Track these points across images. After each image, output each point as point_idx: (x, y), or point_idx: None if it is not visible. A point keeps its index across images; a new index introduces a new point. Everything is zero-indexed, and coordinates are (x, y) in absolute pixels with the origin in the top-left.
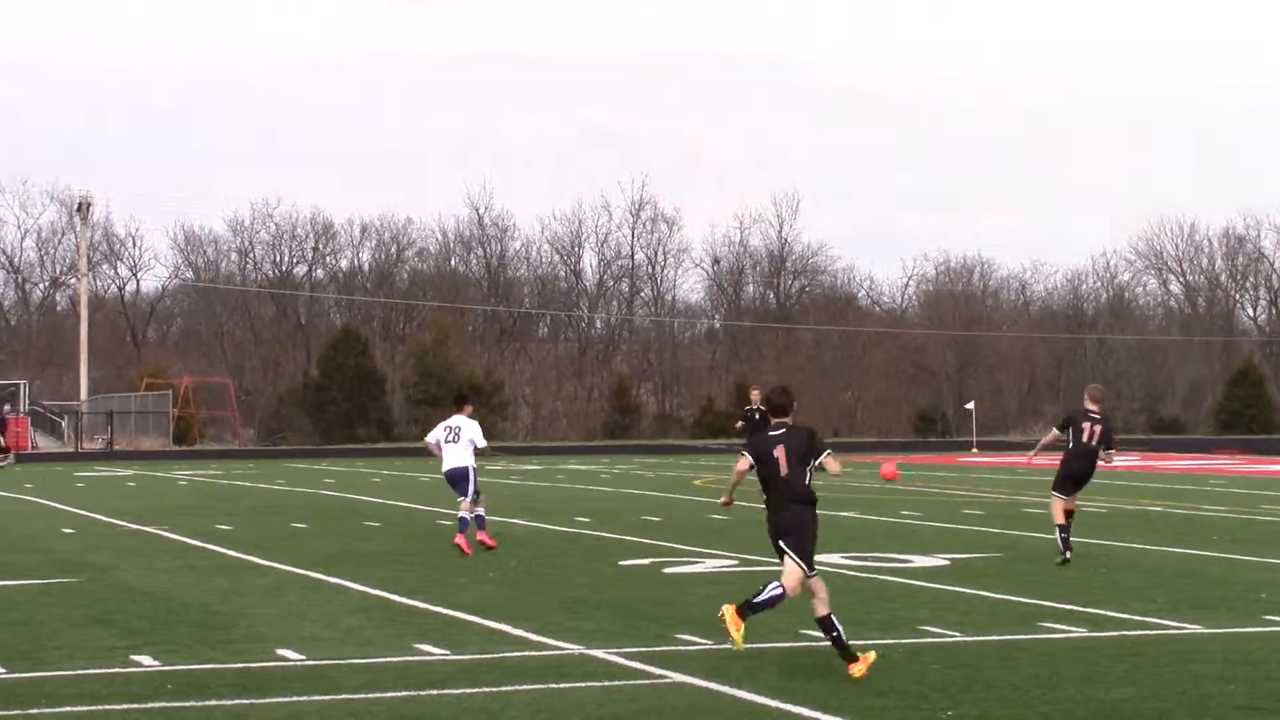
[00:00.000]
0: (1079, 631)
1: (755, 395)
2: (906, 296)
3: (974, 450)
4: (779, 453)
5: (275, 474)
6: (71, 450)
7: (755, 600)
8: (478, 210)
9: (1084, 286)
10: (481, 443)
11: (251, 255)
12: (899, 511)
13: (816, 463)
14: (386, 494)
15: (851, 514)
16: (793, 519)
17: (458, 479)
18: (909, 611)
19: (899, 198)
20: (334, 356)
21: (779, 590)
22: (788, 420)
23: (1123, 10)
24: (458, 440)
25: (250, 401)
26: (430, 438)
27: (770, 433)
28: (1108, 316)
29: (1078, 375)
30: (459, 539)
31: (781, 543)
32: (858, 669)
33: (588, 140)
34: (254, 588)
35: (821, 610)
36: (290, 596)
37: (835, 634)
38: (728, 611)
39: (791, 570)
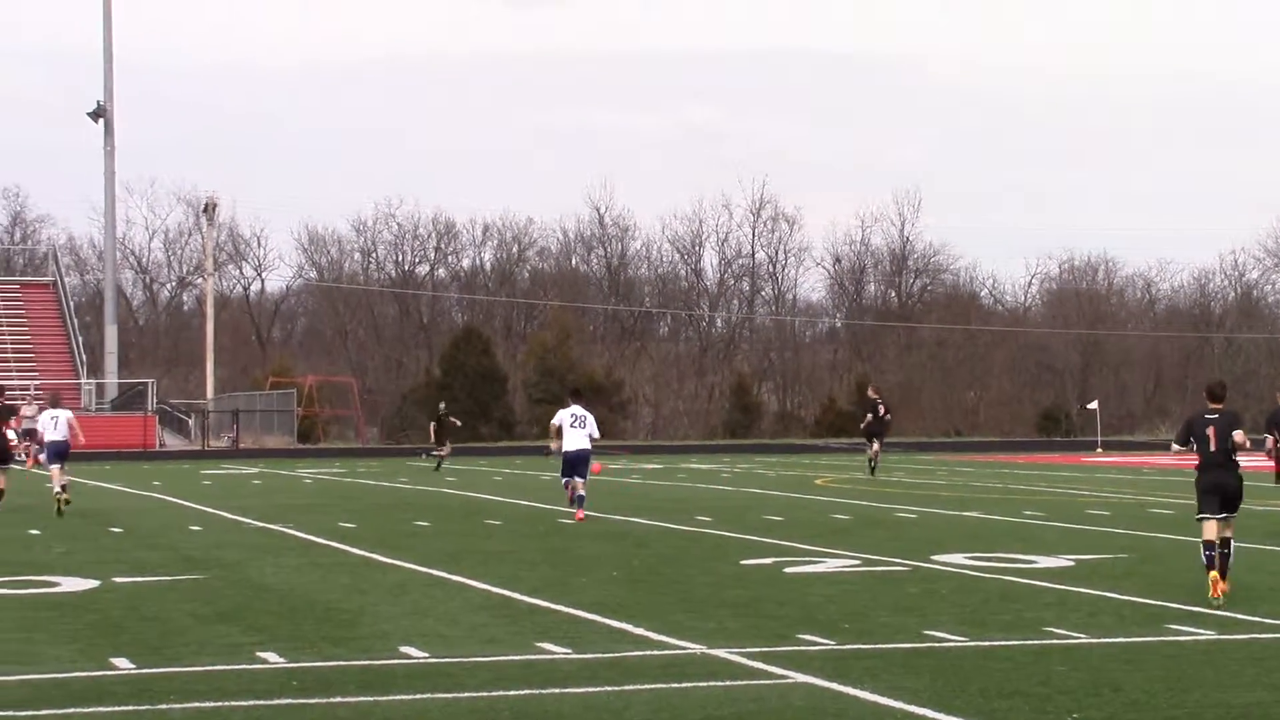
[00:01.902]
0: (1208, 634)
1: (872, 393)
2: (1030, 295)
3: (1098, 450)
4: (1210, 431)
5: (398, 472)
6: (198, 448)
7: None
8: (598, 209)
9: (1211, 285)
10: (597, 434)
11: (374, 255)
12: (1022, 511)
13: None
14: (508, 492)
15: (974, 514)
16: (1217, 478)
17: (580, 460)
18: (1034, 613)
19: (1022, 195)
20: (456, 355)
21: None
22: (1221, 405)
23: (1249, 6)
24: (583, 426)
25: (373, 400)
26: (557, 420)
27: (1206, 415)
28: (1235, 315)
29: (1204, 374)
30: (580, 514)
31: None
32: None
33: (708, 138)
34: (378, 585)
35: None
36: (413, 594)
37: (1225, 553)
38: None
39: (1209, 527)
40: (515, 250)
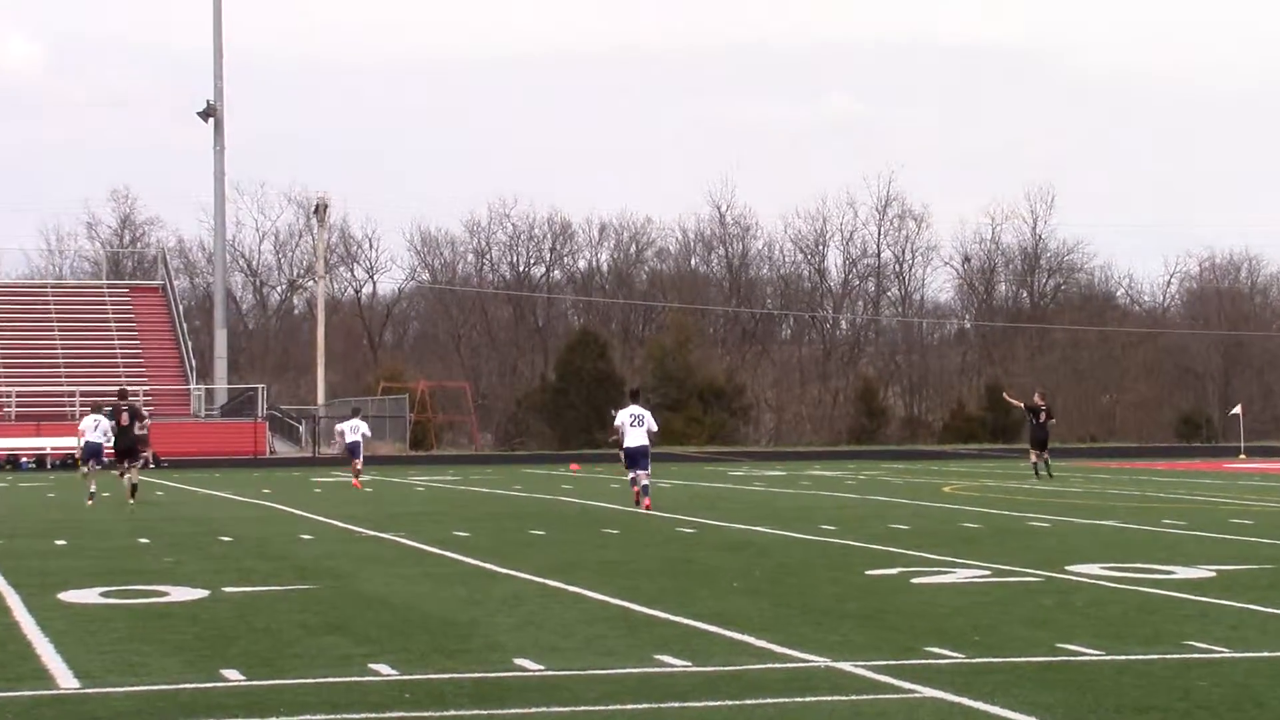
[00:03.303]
0: None
1: (1037, 398)
2: (1168, 295)
3: (1241, 456)
4: None
5: (513, 480)
6: (309, 455)
7: None
8: (718, 208)
9: None
10: (655, 427)
11: (488, 256)
12: (1161, 520)
13: None
14: (625, 500)
15: (1111, 523)
16: None
17: (641, 455)
18: (1174, 625)
19: (1159, 191)
20: (572, 359)
21: None
22: None
23: None
24: (641, 424)
25: (487, 405)
26: (619, 420)
27: None
28: None
29: None
30: (646, 501)
31: None
32: None
33: (832, 133)
34: (492, 596)
35: None
36: (528, 605)
37: None
38: None
39: None
40: (633, 251)
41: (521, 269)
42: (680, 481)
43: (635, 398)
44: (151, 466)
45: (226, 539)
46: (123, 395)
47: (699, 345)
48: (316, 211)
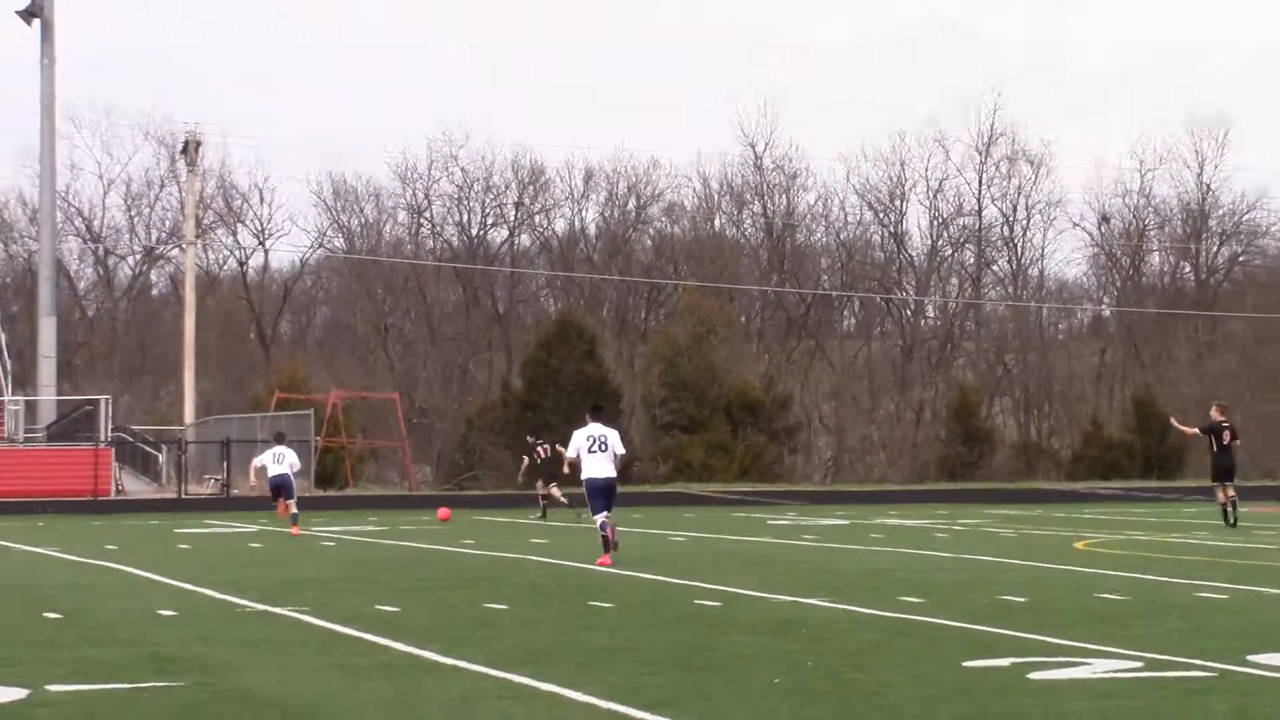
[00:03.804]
0: None
1: (1216, 413)
2: None
3: None
4: None
5: (461, 532)
6: (172, 496)
7: None
8: (754, 147)
9: None
10: (621, 450)
11: (428, 215)
12: None
13: None
14: (621, 561)
15: None
16: None
17: (607, 491)
18: None
19: None
20: (546, 360)
21: None
22: None
23: None
24: (604, 449)
25: (426, 425)
26: (571, 450)
27: None
28: None
29: None
30: (605, 559)
31: None
32: None
33: (912, 47)
34: (430, 697)
35: None
36: (484, 711)
37: None
38: None
39: None
40: (632, 207)
41: (475, 233)
42: (699, 534)
43: (598, 413)
44: None
45: (53, 616)
46: None
47: (726, 340)
48: (185, 151)
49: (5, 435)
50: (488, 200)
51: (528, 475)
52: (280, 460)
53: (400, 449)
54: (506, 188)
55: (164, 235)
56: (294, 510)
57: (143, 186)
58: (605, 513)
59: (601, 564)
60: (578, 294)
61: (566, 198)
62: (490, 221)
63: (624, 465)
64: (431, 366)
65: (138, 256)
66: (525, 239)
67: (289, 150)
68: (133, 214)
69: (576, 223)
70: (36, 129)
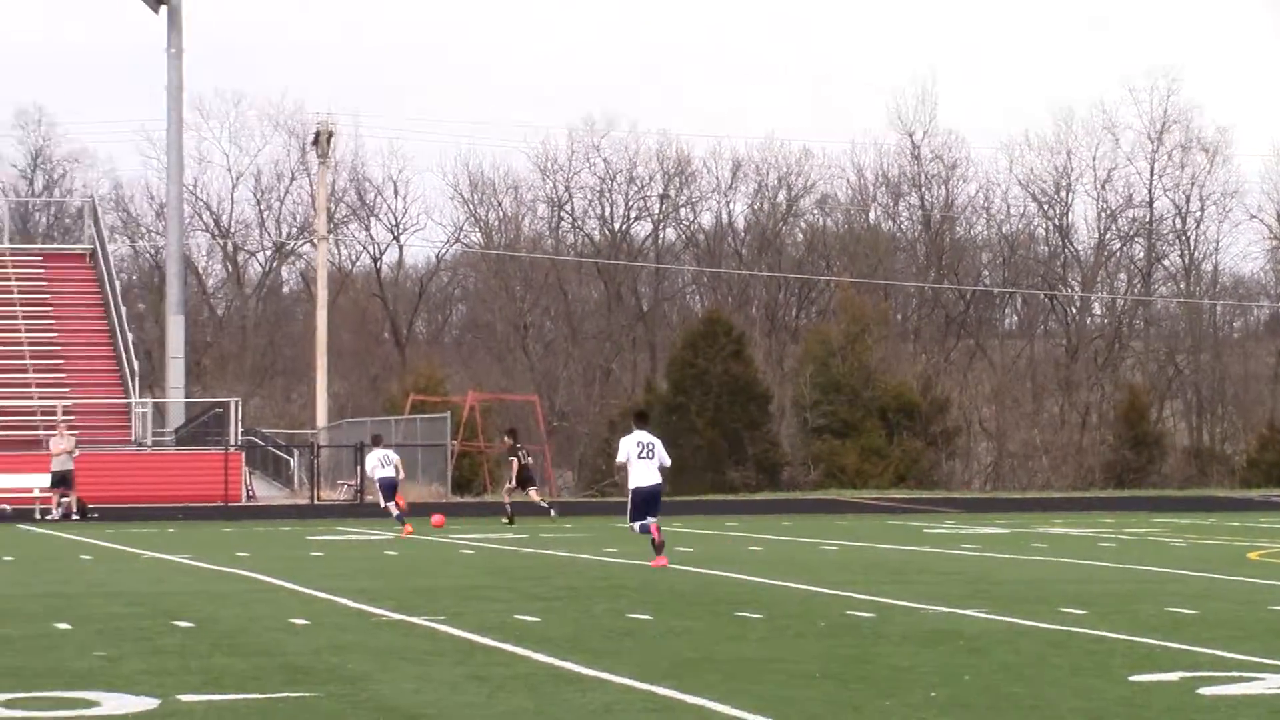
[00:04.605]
0: None
1: None
2: None
3: None
4: None
5: (603, 538)
6: (304, 502)
7: None
8: (911, 136)
9: None
10: (667, 461)
11: (570, 208)
12: None
13: None
14: (770, 570)
15: None
16: None
17: (653, 498)
18: None
19: None
20: (692, 360)
21: None
22: None
23: None
24: (653, 456)
25: (568, 429)
26: (622, 455)
27: None
28: None
29: None
30: (662, 559)
31: None
32: None
33: (1081, 27)
34: (572, 710)
35: None
36: None
37: None
38: None
39: None
40: (783, 199)
41: (618, 227)
42: (851, 542)
43: (642, 420)
44: (74, 517)
45: (184, 624)
46: None
47: (881, 339)
48: (316, 142)
49: (133, 439)
50: (631, 192)
51: (515, 483)
52: (387, 462)
53: (540, 453)
54: (651, 179)
55: (295, 230)
56: (404, 506)
57: (272, 179)
58: (646, 519)
59: (658, 564)
60: (725, 291)
61: (713, 190)
62: (634, 215)
63: (772, 470)
64: (572, 367)
65: (268, 252)
66: (670, 233)
67: (424, 141)
68: (262, 208)
69: (724, 216)
70: (163, 120)
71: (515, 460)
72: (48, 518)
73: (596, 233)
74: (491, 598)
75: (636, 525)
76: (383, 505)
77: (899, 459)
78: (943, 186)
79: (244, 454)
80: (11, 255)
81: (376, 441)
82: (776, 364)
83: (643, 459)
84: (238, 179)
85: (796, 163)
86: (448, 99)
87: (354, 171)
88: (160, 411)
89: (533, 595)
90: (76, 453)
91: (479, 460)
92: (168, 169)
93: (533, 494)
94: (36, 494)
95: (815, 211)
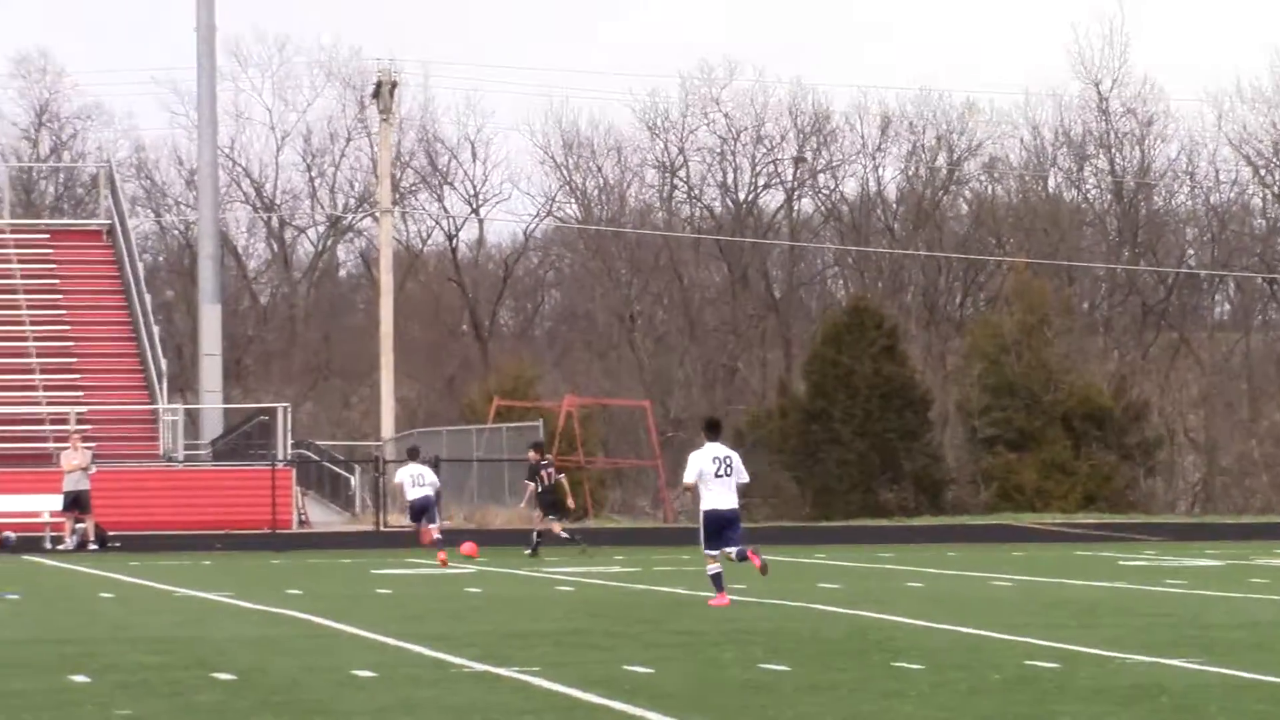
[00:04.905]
0: None
1: None
2: None
3: None
4: None
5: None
6: (368, 528)
7: None
8: (1098, 86)
9: None
10: (745, 477)
11: (684, 174)
12: None
13: None
14: (932, 610)
15: None
16: None
17: (733, 523)
18: None
19: None
20: (835, 357)
21: None
22: None
23: None
24: (730, 473)
25: (685, 440)
26: (691, 475)
27: None
28: None
29: None
30: (723, 598)
31: None
32: None
33: None
34: None
35: None
36: None
37: None
38: None
39: None
40: (943, 163)
41: (743, 197)
42: (1030, 577)
43: (715, 432)
44: (92, 547)
45: (224, 677)
46: None
47: (1064, 332)
48: (377, 96)
49: (161, 453)
50: (758, 155)
51: (531, 504)
52: (420, 481)
53: (653, 469)
54: (782, 139)
55: (352, 201)
56: (437, 536)
57: (325, 140)
58: (727, 548)
59: (717, 604)
60: (874, 273)
61: (858, 151)
62: (762, 183)
63: (933, 490)
64: (690, 365)
65: (320, 228)
66: (807, 204)
67: (507, 94)
68: (313, 175)
69: (871, 183)
70: (192, 68)
71: (536, 482)
72: (60, 547)
73: (717, 204)
74: (595, 645)
75: (710, 553)
76: (420, 529)
77: (1087, 476)
78: (1136, 147)
79: (294, 471)
80: (13, 232)
81: (412, 455)
82: (937, 362)
83: (720, 478)
84: (283, 140)
85: (958, 119)
86: (535, 43)
87: (423, 130)
88: (193, 420)
89: (645, 642)
90: (93, 469)
91: (578, 478)
92: (198, 128)
93: (554, 525)
94: (46, 519)
95: (982, 177)
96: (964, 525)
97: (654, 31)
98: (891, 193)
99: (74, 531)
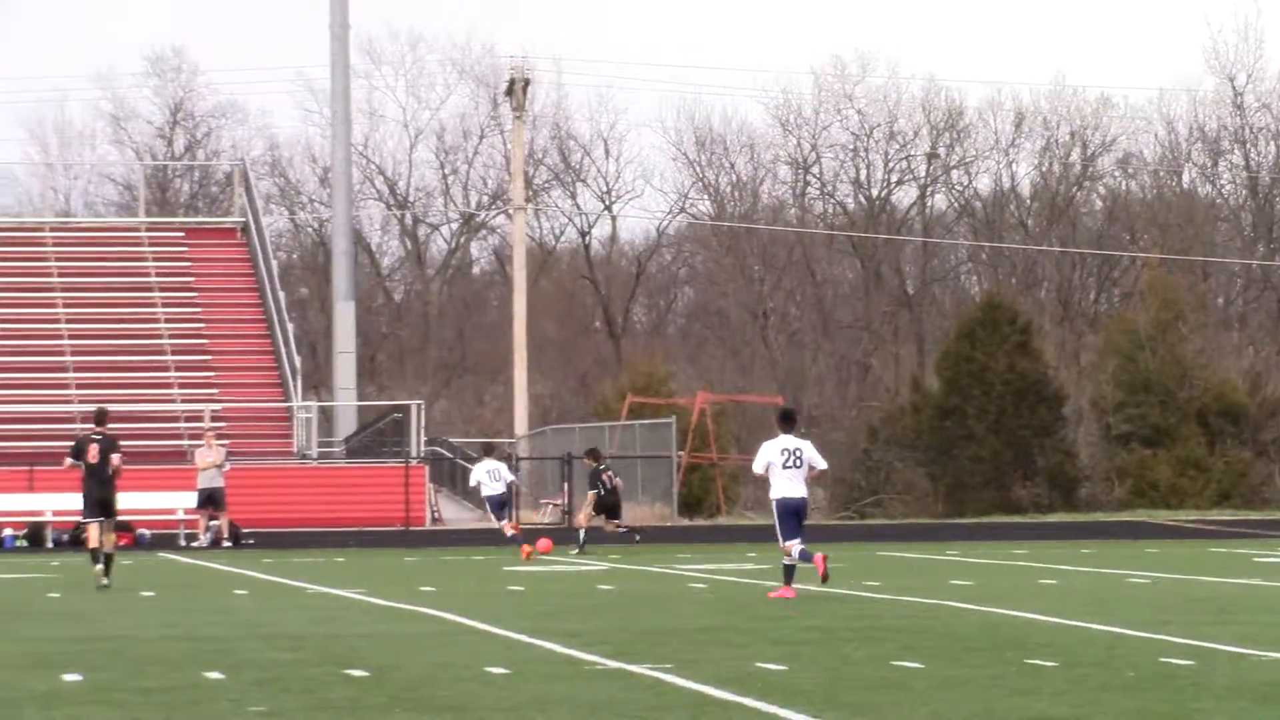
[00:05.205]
0: None
1: None
2: None
3: None
4: None
5: (861, 569)
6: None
7: None
8: (1232, 81)
9: None
10: (822, 464)
11: (817, 170)
12: None
13: None
14: (1066, 608)
15: None
16: None
17: (800, 512)
18: None
19: None
20: (969, 353)
21: None
22: None
23: None
24: (800, 465)
25: (818, 436)
26: (760, 465)
27: None
28: None
29: None
30: (789, 590)
31: None
32: None
33: None
34: None
35: None
36: None
37: None
38: None
39: None
40: (1077, 159)
41: (876, 193)
42: (1166, 574)
43: (789, 423)
44: (225, 544)
45: (357, 674)
46: (100, 419)
47: (1199, 327)
48: (510, 93)
49: (295, 450)
50: (891, 151)
51: (593, 509)
52: (497, 476)
53: None
54: (916, 135)
55: (486, 199)
56: (513, 530)
57: (458, 137)
58: (798, 540)
59: (782, 596)
60: (1008, 269)
61: (992, 147)
62: (895, 179)
63: (1067, 487)
64: (823, 362)
65: (454, 226)
66: (940, 200)
67: (640, 91)
68: (446, 172)
69: (1005, 179)
70: (326, 67)
71: (600, 487)
72: (194, 544)
73: (850, 200)
74: (728, 642)
75: (791, 546)
76: (497, 524)
77: (1223, 473)
78: (1272, 142)
79: (428, 468)
80: (148, 230)
81: (488, 452)
82: (1071, 358)
83: (789, 468)
84: (416, 137)
85: (1093, 114)
86: (668, 39)
87: (556, 128)
88: (327, 417)
89: (777, 639)
90: (227, 467)
91: (712, 475)
92: (332, 126)
93: (608, 524)
94: (181, 516)
95: (1117, 173)
96: (1098, 522)
97: (787, 27)
98: (1025, 188)
99: (208, 529)
